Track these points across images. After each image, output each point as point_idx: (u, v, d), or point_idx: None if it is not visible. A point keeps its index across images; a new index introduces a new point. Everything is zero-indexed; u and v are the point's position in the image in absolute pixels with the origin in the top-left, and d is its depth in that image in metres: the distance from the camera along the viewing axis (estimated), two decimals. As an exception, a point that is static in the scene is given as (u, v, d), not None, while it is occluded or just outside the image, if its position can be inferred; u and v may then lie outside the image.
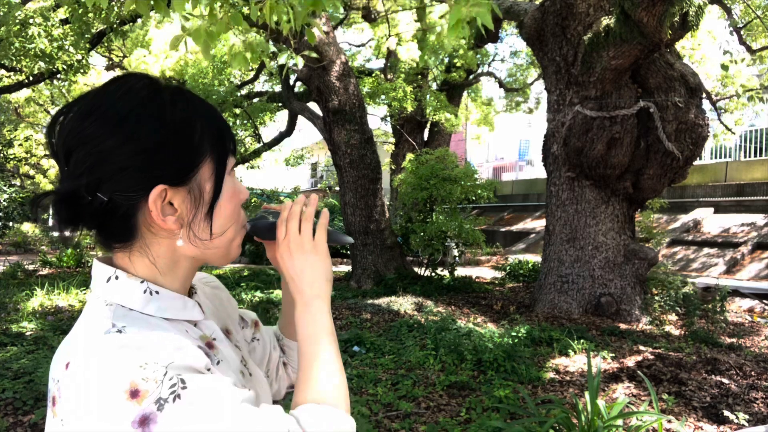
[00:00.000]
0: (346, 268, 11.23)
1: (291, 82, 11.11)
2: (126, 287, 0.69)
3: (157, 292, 0.71)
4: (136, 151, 0.66)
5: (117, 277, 0.70)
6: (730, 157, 13.34)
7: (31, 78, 9.03)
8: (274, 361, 1.02)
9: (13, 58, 7.38)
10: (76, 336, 0.65)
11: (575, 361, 4.56)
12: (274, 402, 0.91)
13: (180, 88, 0.73)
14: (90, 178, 0.64)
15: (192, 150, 0.70)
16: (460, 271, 9.46)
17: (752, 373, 4.12)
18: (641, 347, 4.94)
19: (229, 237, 0.76)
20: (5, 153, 15.76)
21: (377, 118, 17.81)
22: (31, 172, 18.41)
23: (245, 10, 2.89)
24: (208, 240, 0.73)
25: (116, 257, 0.72)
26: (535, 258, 10.39)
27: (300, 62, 3.03)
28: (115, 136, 0.65)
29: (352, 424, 0.71)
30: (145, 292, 0.70)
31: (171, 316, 0.71)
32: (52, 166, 16.53)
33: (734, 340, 5.37)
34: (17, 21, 6.80)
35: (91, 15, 7.69)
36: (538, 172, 19.34)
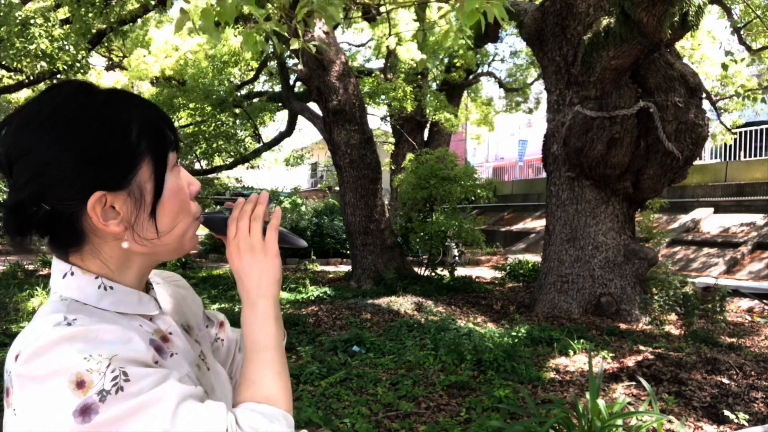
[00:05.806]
0: (346, 268, 11.23)
1: (291, 82, 11.10)
2: (81, 283, 0.71)
3: (111, 288, 0.72)
4: (74, 159, 0.66)
5: (72, 273, 0.71)
6: (730, 157, 13.34)
7: (31, 78, 9.02)
8: (237, 363, 1.02)
9: (14, 59, 7.38)
10: (28, 329, 0.66)
11: (575, 361, 4.56)
12: None
13: (114, 90, 0.72)
14: (32, 189, 0.66)
15: (129, 153, 0.70)
16: (460, 271, 9.46)
17: (752, 373, 4.13)
18: (641, 347, 4.94)
19: (179, 232, 0.76)
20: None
21: (377, 118, 17.82)
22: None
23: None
24: (156, 239, 0.73)
25: (71, 257, 0.73)
26: (535, 258, 10.39)
27: (313, 49, 3.00)
28: (54, 145, 0.66)
29: (289, 422, 0.72)
30: (99, 287, 0.71)
31: (125, 310, 0.72)
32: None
33: (734, 340, 5.37)
34: (18, 21, 6.80)
35: (91, 15, 7.69)
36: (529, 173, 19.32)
